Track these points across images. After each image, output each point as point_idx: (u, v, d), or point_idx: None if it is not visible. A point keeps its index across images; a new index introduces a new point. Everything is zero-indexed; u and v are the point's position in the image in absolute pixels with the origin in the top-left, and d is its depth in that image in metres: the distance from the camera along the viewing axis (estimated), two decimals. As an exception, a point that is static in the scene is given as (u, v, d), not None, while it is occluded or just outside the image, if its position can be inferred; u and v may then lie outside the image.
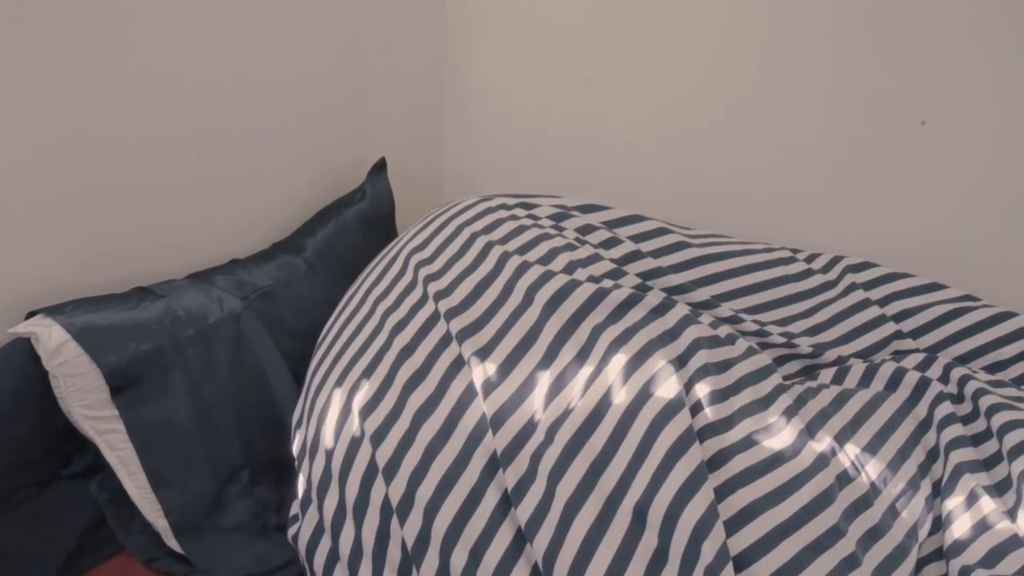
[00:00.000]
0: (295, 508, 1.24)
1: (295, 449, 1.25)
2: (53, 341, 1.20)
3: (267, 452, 1.32)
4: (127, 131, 1.34)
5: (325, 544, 1.16)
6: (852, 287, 1.46)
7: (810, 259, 1.52)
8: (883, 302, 1.42)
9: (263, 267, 1.49)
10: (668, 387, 1.05)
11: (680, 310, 1.19)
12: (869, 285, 1.45)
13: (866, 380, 1.32)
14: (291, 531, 1.22)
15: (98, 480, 1.27)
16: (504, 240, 1.32)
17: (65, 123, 1.26)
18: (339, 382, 1.22)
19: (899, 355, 1.38)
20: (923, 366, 1.33)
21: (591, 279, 1.24)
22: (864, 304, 1.44)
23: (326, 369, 1.27)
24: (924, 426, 1.24)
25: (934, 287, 1.41)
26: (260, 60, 1.52)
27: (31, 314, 1.25)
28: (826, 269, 1.51)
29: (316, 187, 1.70)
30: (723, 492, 1.00)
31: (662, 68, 1.71)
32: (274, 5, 1.51)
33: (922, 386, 1.27)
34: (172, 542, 1.21)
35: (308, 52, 1.61)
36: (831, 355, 1.36)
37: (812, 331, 1.42)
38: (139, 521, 1.24)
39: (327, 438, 1.18)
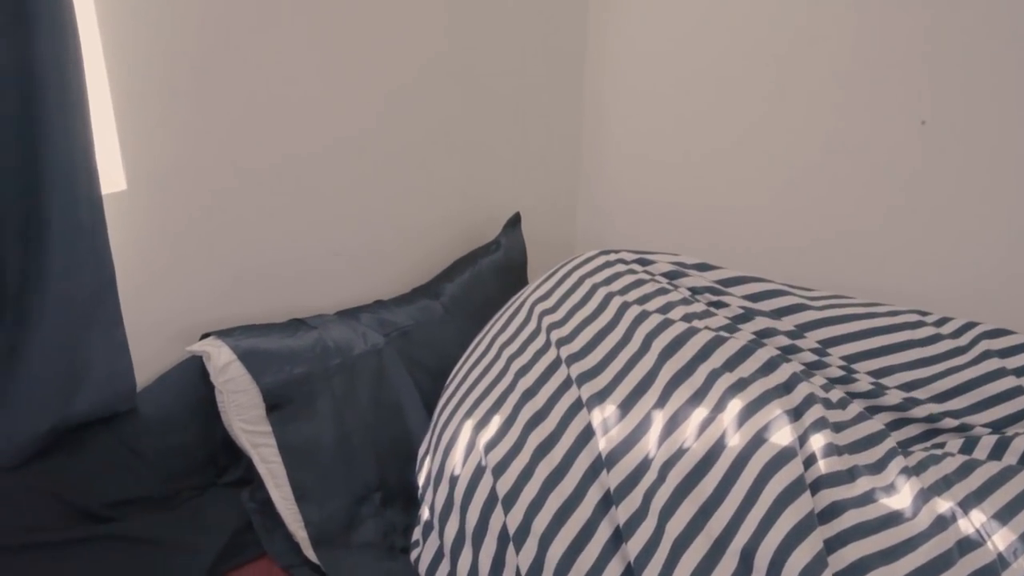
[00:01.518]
0: (416, 534, 1.32)
1: (421, 478, 1.34)
2: (222, 360, 1.35)
3: (398, 478, 1.42)
4: (298, 186, 1.52)
5: (444, 568, 1.23)
6: (986, 354, 1.42)
7: (940, 323, 1.49)
8: (1020, 372, 1.38)
9: (404, 308, 1.61)
10: (782, 435, 1.08)
11: (791, 367, 1.22)
12: (1005, 353, 1.40)
13: (997, 453, 1.29)
14: (413, 555, 1.31)
15: (248, 491, 1.40)
16: (623, 291, 1.38)
17: (240, 174, 1.44)
18: (466, 418, 1.31)
19: None
20: (1061, 442, 1.28)
21: (707, 329, 1.29)
22: (999, 373, 1.39)
23: (454, 406, 1.36)
24: None
25: None
26: (414, 133, 1.69)
27: (205, 336, 1.41)
28: (957, 335, 1.47)
29: (457, 239, 1.83)
30: (835, 544, 1.01)
31: (777, 142, 1.78)
32: (419, 98, 1.69)
33: None
34: (310, 552, 1.32)
35: (459, 124, 1.77)
36: (957, 423, 1.34)
37: (939, 398, 1.39)
38: (282, 530, 1.36)
39: (452, 468, 1.26)
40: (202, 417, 1.42)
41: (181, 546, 1.29)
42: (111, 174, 1.30)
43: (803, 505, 1.00)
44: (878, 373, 1.41)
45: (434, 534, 1.26)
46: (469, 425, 1.29)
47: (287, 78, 1.45)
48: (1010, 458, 1.26)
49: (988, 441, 1.30)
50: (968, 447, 1.30)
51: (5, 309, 1.22)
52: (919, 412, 1.34)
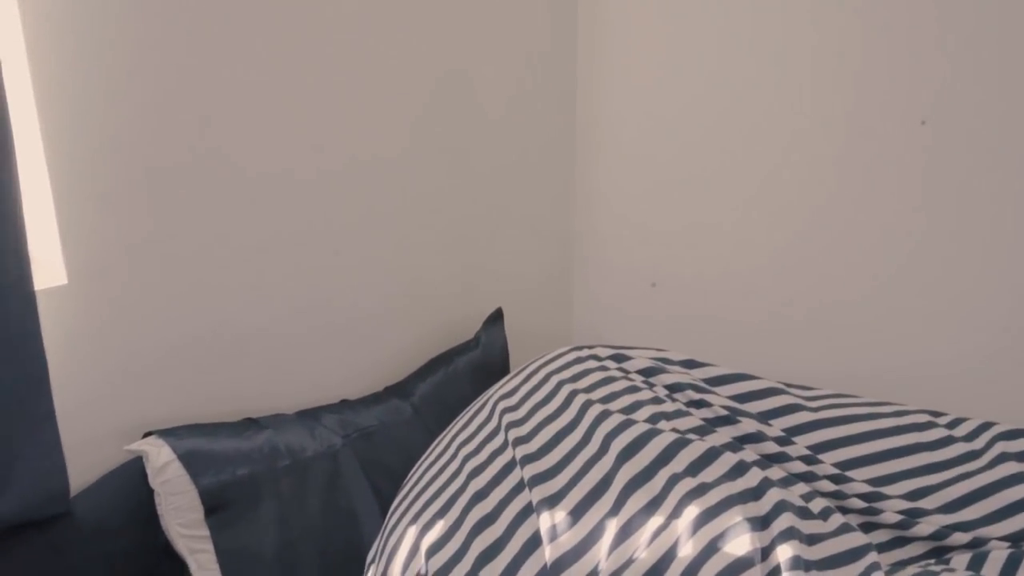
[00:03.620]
0: None
1: None
2: (160, 460, 1.29)
3: (346, 589, 1.31)
4: (250, 289, 1.48)
5: None
6: (1002, 457, 1.29)
7: (952, 425, 1.37)
8: None
9: (371, 409, 1.54)
10: (739, 544, 0.96)
11: (765, 473, 1.10)
12: None
13: (1009, 569, 1.13)
14: None
15: (193, 600, 1.30)
16: (589, 390, 1.30)
17: (191, 263, 1.41)
18: (412, 521, 1.21)
19: None
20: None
21: (674, 431, 1.18)
22: (1017, 479, 1.26)
23: (404, 508, 1.27)
24: None
25: None
26: (393, 219, 1.65)
27: (147, 434, 1.35)
28: (971, 437, 1.34)
29: (433, 336, 1.76)
30: None
31: (772, 211, 1.72)
32: (399, 172, 1.65)
33: None
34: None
35: (442, 213, 1.73)
36: (966, 538, 1.18)
37: (947, 508, 1.25)
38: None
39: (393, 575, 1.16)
40: (142, 522, 1.33)
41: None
42: (52, 267, 1.28)
43: None
44: (878, 481, 1.28)
45: None
46: (414, 530, 1.20)
47: (244, 156, 1.42)
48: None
49: (1000, 556, 1.15)
50: (977, 563, 1.15)
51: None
52: (924, 527, 1.20)
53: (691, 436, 1.17)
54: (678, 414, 1.26)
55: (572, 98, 1.96)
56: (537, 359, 1.46)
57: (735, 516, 1.01)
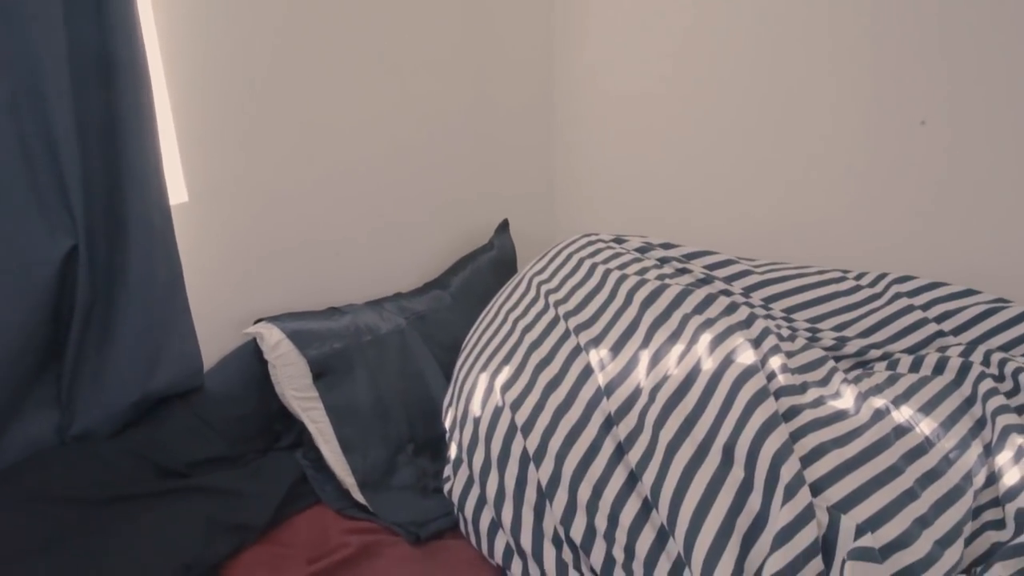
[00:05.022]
0: (448, 471, 1.57)
1: (447, 423, 1.60)
2: (273, 339, 1.62)
3: (425, 432, 1.68)
4: (326, 207, 1.85)
5: (474, 493, 1.48)
6: (896, 296, 1.68)
7: (858, 277, 1.75)
8: (925, 307, 1.64)
9: (419, 298, 1.89)
10: (746, 357, 1.33)
11: (748, 309, 1.50)
12: (912, 294, 1.66)
13: (914, 369, 1.55)
14: (446, 488, 1.56)
15: (301, 451, 1.65)
16: (606, 261, 1.66)
17: (285, 188, 1.74)
18: (482, 369, 1.57)
19: (943, 349, 1.62)
20: (965, 354, 1.53)
21: (678, 284, 1.57)
22: (908, 309, 1.65)
23: (471, 362, 1.62)
24: (970, 401, 1.42)
25: (970, 292, 1.63)
26: (418, 156, 2.02)
27: (257, 321, 1.68)
28: (873, 284, 1.73)
29: (456, 241, 2.13)
30: (797, 436, 1.23)
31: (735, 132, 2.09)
32: (428, 117, 2.02)
33: (965, 368, 1.47)
34: (358, 495, 1.56)
35: (455, 148, 2.11)
36: (878, 353, 1.60)
37: (863, 334, 1.63)
38: (332, 481, 1.60)
39: (474, 411, 1.52)
40: (258, 392, 1.68)
41: (250, 495, 1.53)
42: (175, 189, 1.58)
43: (769, 407, 1.23)
44: (813, 320, 1.69)
45: (463, 466, 1.51)
46: (485, 376, 1.55)
47: (329, 104, 1.76)
48: (925, 371, 1.53)
49: (906, 361, 1.56)
50: (891, 367, 1.58)
51: (96, 302, 1.48)
52: (851, 347, 1.60)
53: (692, 287, 1.56)
54: (674, 275, 1.65)
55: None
56: (557, 245, 1.82)
57: (738, 339, 1.36)
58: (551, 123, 2.37)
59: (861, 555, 1.07)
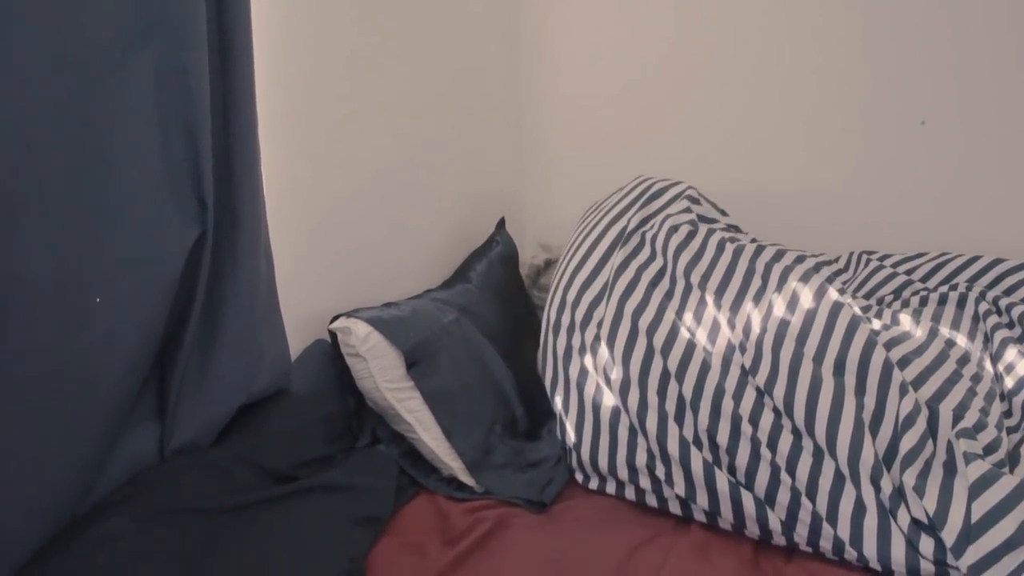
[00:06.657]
0: (571, 436, 1.64)
1: (546, 381, 1.73)
2: (362, 332, 1.59)
3: (505, 413, 1.72)
4: (364, 217, 1.88)
5: (610, 401, 1.59)
6: (868, 262, 2.02)
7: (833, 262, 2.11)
8: (894, 266, 2.01)
9: (450, 291, 1.93)
10: (834, 295, 1.58)
11: (810, 261, 1.79)
12: (880, 259, 2.02)
13: (923, 304, 1.84)
14: (558, 430, 1.67)
15: (393, 447, 1.63)
16: (713, 231, 1.84)
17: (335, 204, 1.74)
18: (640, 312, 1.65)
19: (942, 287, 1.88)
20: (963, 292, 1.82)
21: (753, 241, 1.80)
22: (878, 268, 1.96)
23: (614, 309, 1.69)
24: (975, 319, 1.72)
25: (923, 253, 2.02)
26: (425, 164, 2.08)
27: (335, 318, 1.63)
28: (848, 261, 2.07)
29: (453, 240, 2.18)
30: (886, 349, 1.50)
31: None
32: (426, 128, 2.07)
33: (963, 299, 1.76)
34: (466, 478, 1.58)
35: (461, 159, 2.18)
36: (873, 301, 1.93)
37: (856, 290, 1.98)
38: (433, 472, 1.62)
39: (619, 349, 1.62)
40: (335, 391, 1.63)
41: (364, 490, 1.49)
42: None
43: (865, 329, 1.49)
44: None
45: (573, 411, 1.64)
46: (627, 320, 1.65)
47: (329, 105, 1.77)
48: (931, 305, 1.83)
49: (915, 301, 1.87)
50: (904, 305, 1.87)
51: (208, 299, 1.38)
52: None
53: (764, 244, 1.81)
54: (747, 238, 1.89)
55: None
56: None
57: (823, 283, 1.62)
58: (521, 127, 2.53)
59: (965, 434, 1.38)
